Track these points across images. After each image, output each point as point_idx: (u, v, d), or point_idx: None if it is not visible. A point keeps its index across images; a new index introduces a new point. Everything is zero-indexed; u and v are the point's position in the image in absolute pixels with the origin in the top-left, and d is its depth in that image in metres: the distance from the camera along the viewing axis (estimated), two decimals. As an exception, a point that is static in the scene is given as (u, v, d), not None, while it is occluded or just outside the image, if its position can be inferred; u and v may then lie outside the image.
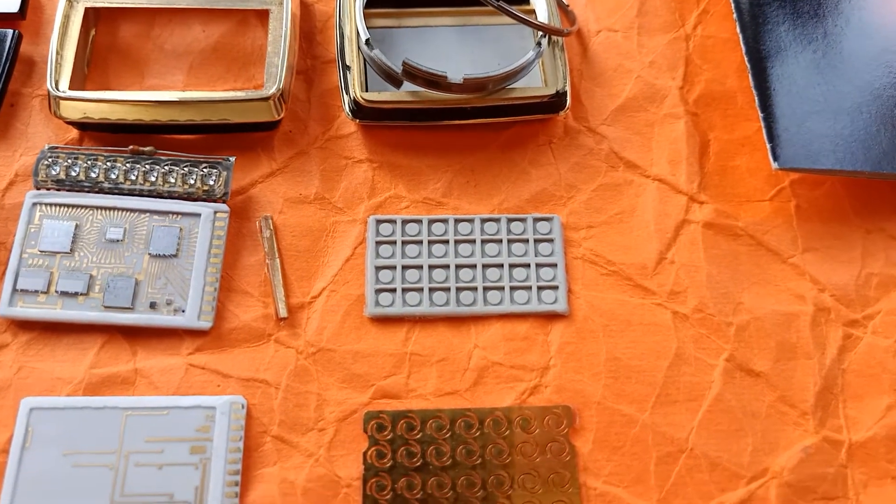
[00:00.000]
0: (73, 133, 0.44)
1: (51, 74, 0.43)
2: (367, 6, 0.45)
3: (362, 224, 0.43)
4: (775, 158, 0.42)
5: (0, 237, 0.42)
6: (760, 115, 0.43)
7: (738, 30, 0.45)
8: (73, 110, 0.43)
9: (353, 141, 0.45)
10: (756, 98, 0.43)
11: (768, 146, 0.42)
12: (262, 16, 0.48)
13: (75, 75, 0.44)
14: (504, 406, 0.39)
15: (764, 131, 0.42)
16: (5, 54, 0.44)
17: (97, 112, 0.43)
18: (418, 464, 0.38)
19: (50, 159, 0.42)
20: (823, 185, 0.45)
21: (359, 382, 0.39)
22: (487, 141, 0.45)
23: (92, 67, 0.46)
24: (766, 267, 0.43)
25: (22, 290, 0.40)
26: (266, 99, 0.43)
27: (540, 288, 0.41)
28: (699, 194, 0.44)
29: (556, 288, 0.41)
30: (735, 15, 0.46)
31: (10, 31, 0.45)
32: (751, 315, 0.41)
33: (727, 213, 0.44)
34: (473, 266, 0.42)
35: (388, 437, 0.38)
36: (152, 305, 0.40)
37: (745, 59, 0.44)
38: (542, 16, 0.45)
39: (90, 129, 0.44)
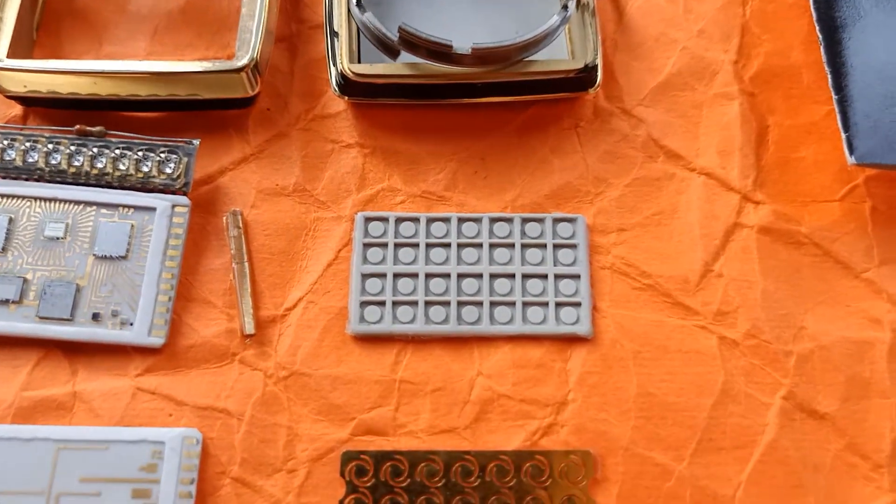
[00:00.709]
0: (17, 109, 0.38)
1: (-14, 41, 0.36)
2: (363, -39, 0.38)
3: (349, 222, 0.36)
4: (851, 151, 0.34)
5: (-76, 231, 0.35)
6: (834, 97, 0.35)
7: (806, -7, 0.38)
8: (14, 82, 0.37)
9: (341, 121, 0.38)
10: (829, 76, 0.36)
11: (843, 136, 0.35)
12: (241, -28, 0.41)
13: (20, 41, 0.38)
14: (511, 449, 0.33)
15: (838, 117, 0.35)
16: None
17: (44, 85, 0.36)
18: (403, 519, 0.32)
19: (-18, 140, 0.35)
20: (906, 183, 0.37)
21: (337, 415, 0.33)
22: (501, 123, 0.38)
23: (42, 31, 0.40)
24: (834, 283, 0.35)
25: (-58, 297, 0.34)
26: (239, 70, 0.36)
27: (559, 304, 0.35)
28: (755, 192, 0.37)
29: (578, 305, 0.34)
30: (803, -25, 0.38)
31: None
32: (815, 343, 0.34)
33: (788, 215, 0.36)
34: (479, 276, 0.35)
35: (370, 483, 0.32)
36: (95, 317, 0.34)
37: (816, 27, 0.37)
38: (571, -26, 0.38)
39: (36, 105, 0.38)
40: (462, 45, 0.35)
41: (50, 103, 0.38)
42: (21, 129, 0.36)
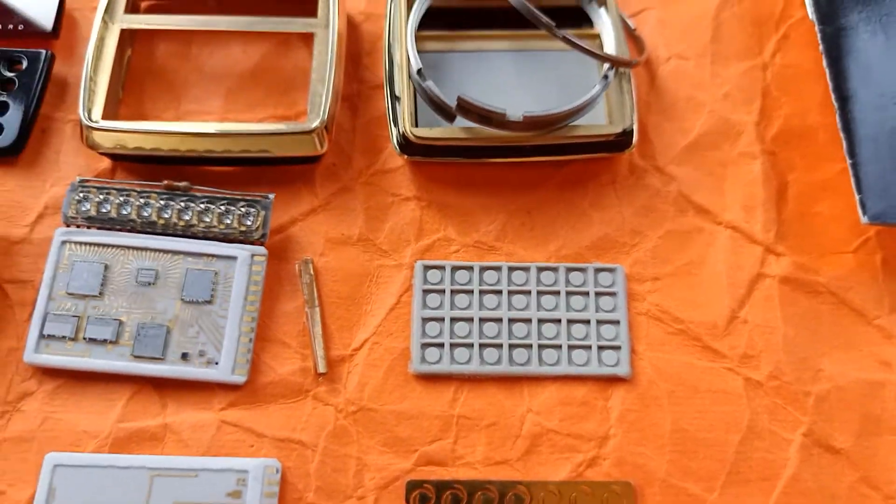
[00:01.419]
0: (106, 163, 0.42)
1: (83, 103, 0.40)
2: (418, 28, 0.42)
3: (409, 269, 0.40)
4: (864, 211, 0.38)
5: (28, 274, 0.39)
6: (848, 161, 0.39)
7: (823, 62, 0.41)
8: (105, 140, 0.40)
9: (400, 176, 0.42)
10: (843, 142, 0.39)
11: (857, 197, 0.38)
12: (307, 38, 0.45)
13: (109, 102, 0.41)
14: (558, 480, 0.36)
15: (852, 180, 0.39)
16: (37, 77, 0.42)
17: (131, 142, 0.40)
18: (464, 542, 0.35)
19: (81, 194, 0.39)
20: (914, 237, 0.41)
21: (402, 447, 0.37)
22: (545, 178, 0.42)
23: (126, 91, 0.43)
24: (849, 328, 0.39)
25: (49, 336, 0.37)
26: (309, 132, 0.40)
27: (600, 348, 0.38)
28: (776, 245, 0.40)
29: (618, 348, 0.38)
30: (820, 43, 0.42)
31: (42, 52, 0.42)
32: (832, 384, 0.38)
33: (807, 266, 0.40)
34: (528, 321, 0.39)
35: (432, 509, 0.36)
36: (184, 356, 0.37)
37: (832, 95, 0.40)
38: (609, 43, 0.42)
39: (123, 160, 0.42)
40: (514, 112, 0.39)
41: (135, 159, 0.41)
42: (112, 183, 0.40)
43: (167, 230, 0.39)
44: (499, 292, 0.39)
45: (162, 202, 0.39)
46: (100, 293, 0.38)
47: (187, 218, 0.39)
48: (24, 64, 0.42)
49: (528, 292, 0.39)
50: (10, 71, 0.42)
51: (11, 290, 0.39)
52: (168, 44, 0.45)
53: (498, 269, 0.40)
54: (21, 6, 0.44)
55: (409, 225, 0.41)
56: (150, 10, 0.46)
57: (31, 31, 0.43)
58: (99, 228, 0.39)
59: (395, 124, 0.41)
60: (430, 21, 0.42)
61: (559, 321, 0.39)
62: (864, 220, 0.38)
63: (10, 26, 0.43)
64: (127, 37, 0.43)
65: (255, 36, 0.45)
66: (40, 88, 0.42)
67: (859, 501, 0.36)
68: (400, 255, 0.40)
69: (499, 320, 0.39)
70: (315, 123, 0.40)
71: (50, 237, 0.40)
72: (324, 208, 0.41)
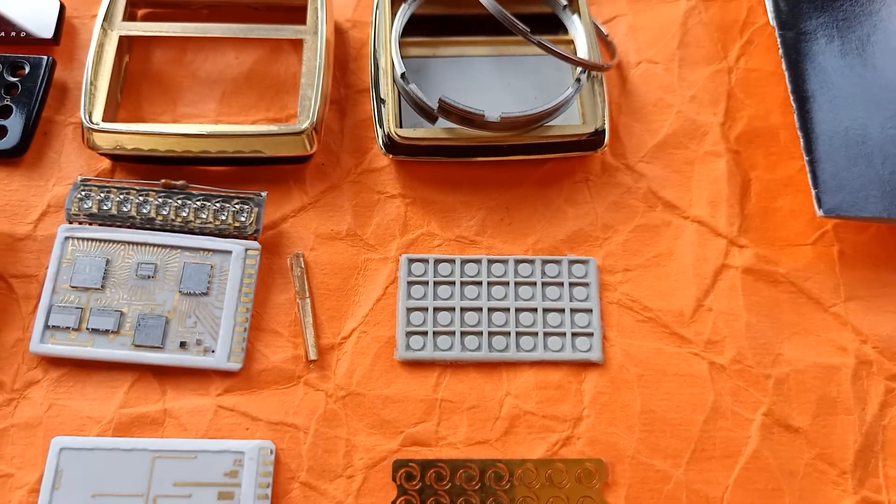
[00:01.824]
0: (106, 163, 0.44)
1: (84, 106, 0.42)
2: (402, 35, 0.44)
3: (394, 262, 0.42)
4: (820, 205, 0.40)
5: (32, 269, 0.41)
6: (805, 158, 0.41)
7: (783, 65, 0.44)
8: (105, 141, 0.42)
9: (385, 175, 0.44)
10: (801, 140, 0.42)
11: (813, 192, 0.41)
12: (296, 44, 0.47)
13: (108, 105, 0.43)
14: (535, 458, 0.38)
15: (809, 176, 0.41)
16: (39, 82, 0.44)
17: (129, 143, 0.42)
18: (447, 516, 0.38)
19: (83, 192, 0.41)
20: (869, 230, 0.43)
21: (388, 429, 0.39)
22: (522, 177, 0.44)
23: (125, 95, 0.46)
24: (807, 316, 0.42)
25: (54, 327, 0.39)
26: (299, 133, 0.42)
27: (574, 335, 0.41)
28: (739, 238, 0.43)
29: (591, 335, 0.41)
30: (780, 48, 0.45)
31: (44, 59, 0.45)
32: (791, 367, 0.40)
33: (768, 258, 0.43)
34: (507, 310, 0.41)
35: (417, 486, 0.38)
36: (182, 345, 0.40)
37: (791, 97, 0.43)
38: (582, 48, 0.44)
39: (122, 160, 0.44)
40: (492, 114, 0.41)
41: (133, 159, 0.44)
42: (113, 182, 0.42)
43: (165, 226, 0.41)
44: (479, 283, 0.42)
45: (160, 200, 0.42)
46: (102, 286, 0.40)
47: (184, 215, 0.41)
48: (27, 69, 0.44)
49: (507, 283, 0.42)
50: (13, 76, 0.44)
51: (16, 284, 0.41)
52: (164, 50, 0.47)
53: (478, 261, 0.42)
54: (23, 14, 0.46)
55: (394, 221, 0.43)
56: (147, 17, 0.48)
57: (32, 38, 0.45)
58: (100, 225, 0.41)
59: (381, 126, 0.43)
60: (413, 28, 0.45)
61: (535, 310, 0.41)
62: (819, 213, 0.40)
63: (13, 33, 0.45)
64: (125, 43, 0.45)
65: (248, 42, 0.47)
66: (42, 92, 0.44)
67: (816, 477, 0.38)
68: (386, 249, 0.43)
69: (479, 310, 0.41)
70: (305, 125, 0.42)
71: (52, 234, 0.42)
72: (314, 205, 0.44)
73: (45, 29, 0.45)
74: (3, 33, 0.45)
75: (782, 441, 0.39)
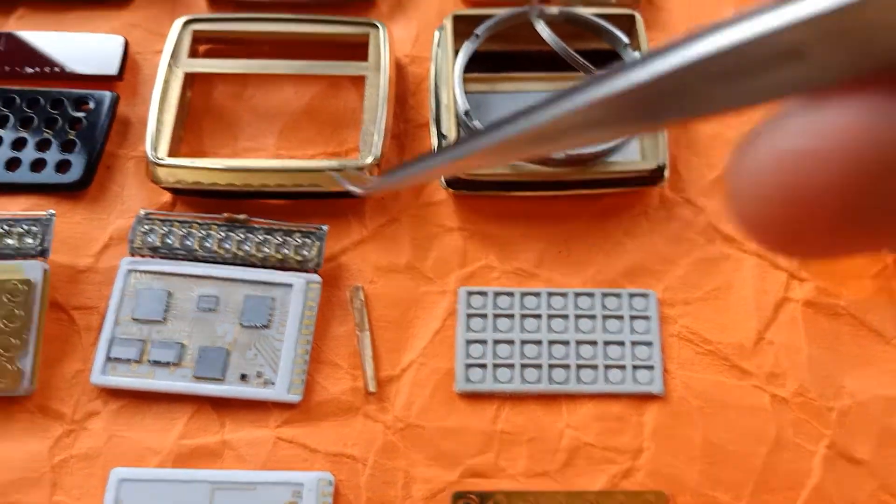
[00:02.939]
0: (167, 197, 0.45)
1: (150, 141, 0.43)
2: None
3: (452, 295, 0.42)
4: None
5: (94, 301, 0.42)
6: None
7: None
8: (169, 175, 0.43)
9: (444, 208, 0.45)
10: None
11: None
12: (356, 79, 0.47)
13: (172, 140, 0.44)
14: (595, 490, 0.38)
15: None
16: (103, 117, 0.45)
17: (191, 177, 0.43)
18: (509, 550, 0.37)
19: (146, 226, 0.42)
20: (931, 263, 0.43)
21: (447, 460, 0.39)
22: (581, 210, 0.44)
23: (186, 130, 0.46)
24: (868, 348, 0.41)
25: (115, 359, 0.40)
26: (362, 168, 0.42)
27: (635, 367, 0.40)
28: (799, 271, 0.43)
29: (651, 368, 0.40)
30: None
31: (108, 94, 0.45)
32: (853, 399, 0.40)
33: (828, 291, 0.42)
34: (567, 342, 0.41)
35: (478, 519, 0.38)
36: (242, 377, 0.40)
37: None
38: (638, 83, 0.44)
39: (183, 194, 0.44)
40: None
41: (194, 192, 0.44)
42: (176, 216, 0.42)
43: (228, 260, 0.42)
44: (538, 316, 0.42)
45: (223, 233, 0.42)
46: (163, 318, 0.41)
47: (247, 248, 0.42)
48: (92, 105, 0.45)
49: (566, 316, 0.42)
50: (78, 111, 0.45)
51: (78, 315, 0.42)
52: (225, 85, 0.48)
53: (537, 294, 0.42)
54: (88, 51, 0.47)
55: (453, 253, 0.43)
56: (208, 53, 0.49)
57: (97, 74, 0.46)
58: (163, 258, 0.42)
59: (439, 159, 0.44)
60: (473, 64, 0.45)
61: (595, 343, 0.41)
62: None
63: (79, 70, 0.46)
64: (188, 79, 0.46)
65: (307, 78, 0.48)
66: (106, 127, 0.45)
67: (884, 512, 0.38)
68: (444, 281, 0.43)
69: (538, 342, 0.41)
70: (368, 160, 0.43)
71: (114, 266, 0.42)
72: (372, 238, 0.44)
73: (109, 65, 0.46)
74: (69, 70, 0.46)
75: (845, 473, 0.38)
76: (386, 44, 0.46)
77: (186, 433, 0.39)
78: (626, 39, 0.45)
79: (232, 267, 0.42)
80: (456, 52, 0.44)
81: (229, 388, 0.40)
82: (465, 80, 0.44)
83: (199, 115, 0.47)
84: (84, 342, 0.41)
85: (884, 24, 0.09)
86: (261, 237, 0.42)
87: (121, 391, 0.40)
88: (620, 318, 0.41)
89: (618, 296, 0.42)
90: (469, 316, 0.42)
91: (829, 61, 0.09)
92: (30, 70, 0.46)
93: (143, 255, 0.42)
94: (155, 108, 0.44)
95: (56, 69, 0.46)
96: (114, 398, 0.40)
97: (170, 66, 0.45)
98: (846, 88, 0.09)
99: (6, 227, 0.41)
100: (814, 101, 0.10)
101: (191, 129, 0.47)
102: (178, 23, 0.47)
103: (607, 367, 0.40)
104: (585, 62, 0.41)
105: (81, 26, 0.49)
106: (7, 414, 0.39)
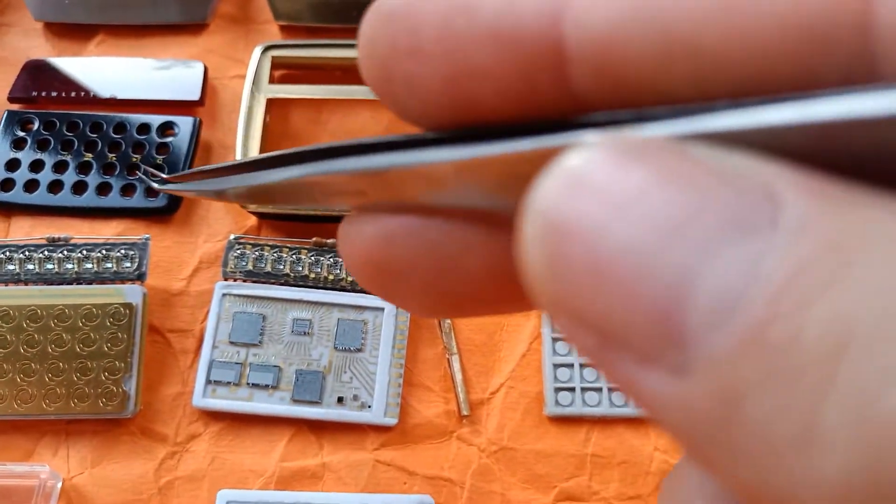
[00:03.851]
0: (252, 220, 0.45)
1: (238, 166, 0.44)
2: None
3: (536, 318, 0.43)
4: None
5: (187, 324, 0.43)
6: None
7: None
8: (254, 200, 0.44)
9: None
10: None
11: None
12: (433, 106, 0.48)
13: (256, 165, 0.45)
14: (688, 512, 0.39)
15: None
16: (189, 142, 0.46)
17: (275, 201, 0.44)
18: (609, 571, 0.38)
19: (238, 251, 0.43)
20: None
21: (541, 483, 0.40)
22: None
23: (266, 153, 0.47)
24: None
25: (215, 382, 0.41)
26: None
27: (719, 392, 0.42)
28: None
29: (735, 392, 0.42)
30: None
31: (193, 119, 0.46)
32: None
33: None
34: (651, 367, 0.42)
35: (575, 540, 0.39)
36: (339, 400, 0.41)
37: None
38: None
39: (268, 218, 0.45)
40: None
41: (278, 216, 0.45)
42: (265, 240, 0.43)
43: (318, 283, 0.43)
44: (622, 341, 0.43)
45: (312, 258, 0.43)
46: (259, 342, 0.41)
47: (337, 272, 0.43)
48: (177, 130, 0.46)
49: (649, 341, 0.43)
50: (164, 137, 0.46)
51: (173, 338, 0.42)
52: (300, 110, 0.49)
53: (619, 319, 0.43)
54: (171, 78, 0.47)
55: (533, 278, 0.44)
56: (282, 78, 0.49)
57: (181, 100, 0.47)
58: (254, 282, 0.43)
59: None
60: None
61: (680, 367, 0.42)
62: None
63: (162, 96, 0.47)
64: (268, 104, 0.47)
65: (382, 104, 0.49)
66: (192, 153, 0.46)
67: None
68: (527, 306, 0.44)
69: (624, 366, 0.42)
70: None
71: (205, 290, 0.43)
72: (454, 263, 0.45)
73: (191, 91, 0.47)
74: (152, 96, 0.47)
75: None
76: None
77: (287, 455, 0.40)
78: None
79: (324, 291, 0.42)
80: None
81: (328, 412, 0.41)
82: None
83: (277, 140, 0.48)
84: (181, 365, 0.42)
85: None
86: (354, 263, 0.43)
87: (220, 413, 0.41)
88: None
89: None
90: (554, 340, 0.43)
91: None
92: (113, 95, 0.47)
93: (235, 279, 0.43)
94: (241, 133, 0.45)
95: (140, 95, 0.47)
96: (214, 420, 0.41)
97: (252, 92, 0.46)
98: (379, 209, 0.13)
99: (104, 252, 0.41)
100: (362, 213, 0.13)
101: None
102: (258, 49, 0.48)
103: (693, 391, 0.42)
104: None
105: (159, 52, 0.50)
106: (112, 436, 0.40)
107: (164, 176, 0.16)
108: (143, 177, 0.38)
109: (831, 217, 0.09)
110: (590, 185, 0.09)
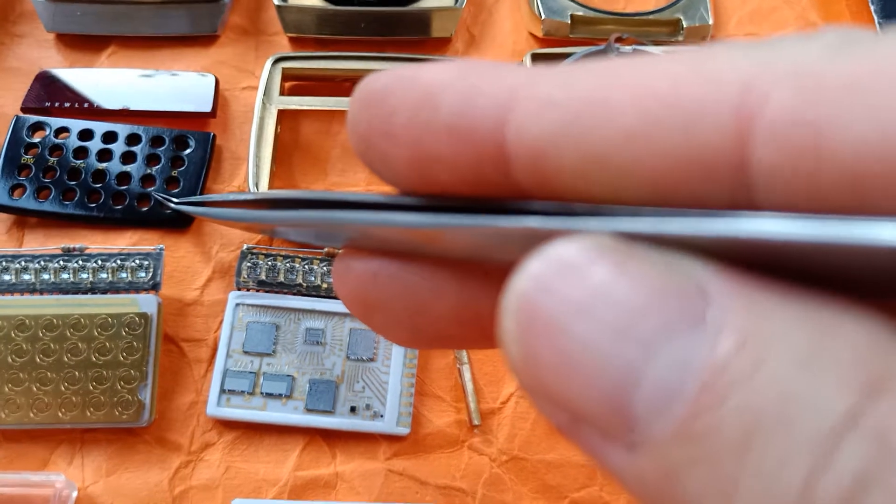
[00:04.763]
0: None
1: (252, 177, 0.44)
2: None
3: (546, 330, 0.44)
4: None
5: (201, 334, 0.43)
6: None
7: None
8: (267, 210, 0.44)
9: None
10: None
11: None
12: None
13: (269, 176, 0.45)
14: (698, 522, 0.40)
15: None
16: (205, 156, 0.46)
17: (287, 211, 0.44)
18: (620, 580, 0.39)
19: (250, 261, 0.43)
20: None
21: (553, 493, 0.40)
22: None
23: (277, 164, 0.47)
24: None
25: (230, 391, 0.41)
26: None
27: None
28: None
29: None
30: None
31: (208, 134, 0.47)
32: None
33: None
34: (660, 377, 0.42)
35: (586, 549, 0.39)
36: (352, 409, 0.41)
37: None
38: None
39: (280, 228, 0.45)
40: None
41: (290, 227, 0.45)
42: (278, 250, 0.44)
43: (330, 293, 0.43)
44: (632, 351, 0.43)
45: (325, 268, 0.43)
46: (273, 351, 0.42)
47: (349, 283, 0.43)
48: (192, 143, 0.46)
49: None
50: (179, 150, 0.46)
51: (187, 347, 0.43)
52: (311, 121, 0.49)
53: (629, 330, 0.44)
54: (183, 90, 0.48)
55: (543, 289, 0.45)
56: (293, 90, 0.50)
57: (193, 111, 0.47)
58: (267, 292, 0.43)
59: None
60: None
61: (689, 378, 0.43)
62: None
63: (175, 108, 0.47)
64: (279, 115, 0.47)
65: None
66: (206, 166, 0.46)
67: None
68: (537, 316, 0.44)
69: (634, 377, 0.43)
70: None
71: (219, 299, 0.43)
72: (465, 274, 0.45)
73: (203, 103, 0.47)
74: (164, 107, 0.47)
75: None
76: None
77: (300, 465, 0.40)
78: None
79: (336, 301, 0.43)
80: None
81: (341, 421, 0.41)
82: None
83: (288, 151, 0.48)
84: (195, 374, 0.42)
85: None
86: (366, 273, 0.43)
87: (234, 422, 0.41)
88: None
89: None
90: (565, 351, 0.43)
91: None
92: (125, 107, 0.47)
93: (248, 289, 0.43)
94: (253, 144, 0.45)
95: (152, 106, 0.47)
96: (228, 429, 0.41)
97: (263, 103, 0.46)
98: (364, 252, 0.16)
99: (119, 261, 0.41)
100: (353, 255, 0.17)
101: (281, 164, 0.48)
102: (269, 61, 0.48)
103: (702, 401, 0.42)
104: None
105: (170, 64, 0.50)
106: (128, 445, 0.40)
107: (175, 201, 0.19)
108: (156, 196, 0.38)
109: (747, 316, 0.10)
110: (551, 293, 0.11)
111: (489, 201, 0.14)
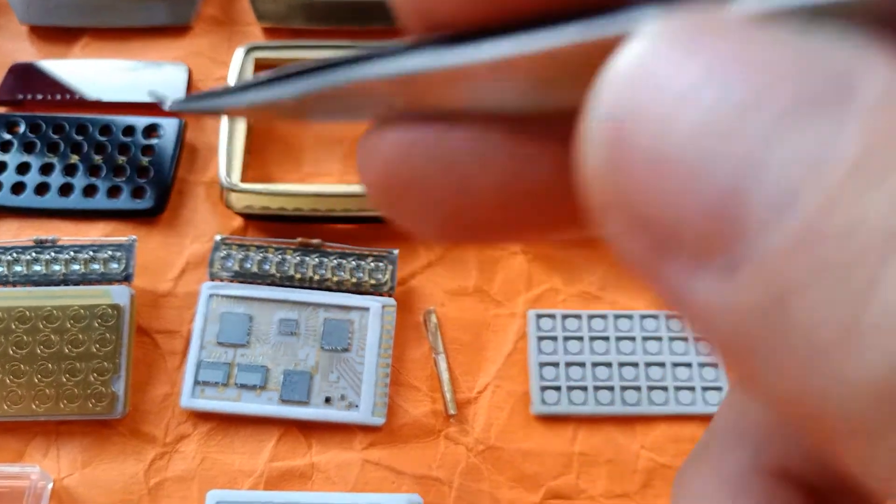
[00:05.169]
0: (238, 221, 0.46)
1: (224, 168, 0.44)
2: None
3: (522, 318, 0.44)
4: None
5: (175, 325, 0.43)
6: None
7: None
8: (241, 201, 0.44)
9: (509, 234, 0.46)
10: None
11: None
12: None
13: (242, 166, 0.45)
14: (674, 509, 0.40)
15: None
16: (175, 144, 0.46)
17: (260, 202, 0.44)
18: (596, 567, 0.39)
19: (224, 252, 0.43)
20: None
21: (530, 482, 0.40)
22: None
23: (251, 156, 0.47)
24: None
25: (204, 382, 0.41)
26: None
27: (704, 388, 0.42)
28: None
29: (719, 389, 0.42)
30: None
31: (177, 121, 0.46)
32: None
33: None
34: (636, 364, 0.43)
35: (562, 537, 0.39)
36: (327, 400, 0.41)
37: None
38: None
39: (254, 219, 0.45)
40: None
41: (264, 217, 0.45)
42: (251, 241, 0.43)
43: (304, 283, 0.43)
44: (607, 338, 0.43)
45: (298, 258, 0.43)
46: (247, 342, 0.42)
47: (322, 272, 0.43)
48: (162, 132, 0.46)
49: (634, 338, 0.43)
50: (149, 138, 0.46)
51: (161, 339, 0.42)
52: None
53: (604, 316, 0.44)
54: (154, 80, 0.48)
55: (518, 276, 0.45)
56: (267, 80, 0.50)
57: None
58: (241, 283, 0.43)
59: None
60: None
61: (664, 364, 0.43)
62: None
63: (146, 98, 0.47)
64: (254, 106, 0.47)
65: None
66: (177, 154, 0.46)
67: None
68: (513, 304, 0.44)
69: (609, 364, 0.43)
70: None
71: (192, 291, 0.43)
72: (440, 262, 0.45)
73: (174, 93, 0.47)
74: (135, 98, 0.47)
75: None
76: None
77: (276, 455, 0.40)
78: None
79: (309, 291, 0.43)
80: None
81: (315, 412, 0.41)
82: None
83: (261, 142, 0.48)
84: (169, 366, 0.42)
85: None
86: (335, 261, 0.43)
87: (208, 414, 0.41)
88: (686, 339, 0.43)
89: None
90: (540, 338, 0.43)
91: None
92: (99, 98, 0.47)
93: (222, 280, 0.43)
94: (225, 135, 0.45)
95: (125, 97, 0.47)
96: (203, 421, 0.41)
97: (238, 93, 0.46)
98: (398, 119, 0.13)
99: (91, 253, 0.41)
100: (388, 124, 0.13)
101: (255, 156, 0.48)
102: (241, 50, 0.48)
103: (677, 388, 0.42)
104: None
105: (143, 54, 0.50)
106: (102, 437, 0.40)
107: (173, 99, 0.15)
108: (152, 96, 0.37)
109: None
110: (654, 75, 0.09)
111: (582, 9, 0.10)
